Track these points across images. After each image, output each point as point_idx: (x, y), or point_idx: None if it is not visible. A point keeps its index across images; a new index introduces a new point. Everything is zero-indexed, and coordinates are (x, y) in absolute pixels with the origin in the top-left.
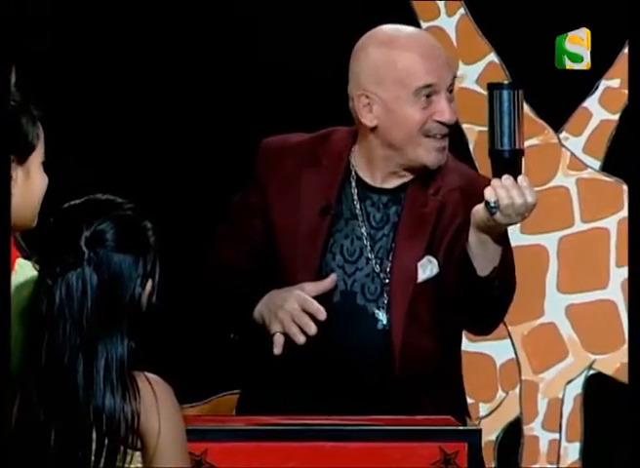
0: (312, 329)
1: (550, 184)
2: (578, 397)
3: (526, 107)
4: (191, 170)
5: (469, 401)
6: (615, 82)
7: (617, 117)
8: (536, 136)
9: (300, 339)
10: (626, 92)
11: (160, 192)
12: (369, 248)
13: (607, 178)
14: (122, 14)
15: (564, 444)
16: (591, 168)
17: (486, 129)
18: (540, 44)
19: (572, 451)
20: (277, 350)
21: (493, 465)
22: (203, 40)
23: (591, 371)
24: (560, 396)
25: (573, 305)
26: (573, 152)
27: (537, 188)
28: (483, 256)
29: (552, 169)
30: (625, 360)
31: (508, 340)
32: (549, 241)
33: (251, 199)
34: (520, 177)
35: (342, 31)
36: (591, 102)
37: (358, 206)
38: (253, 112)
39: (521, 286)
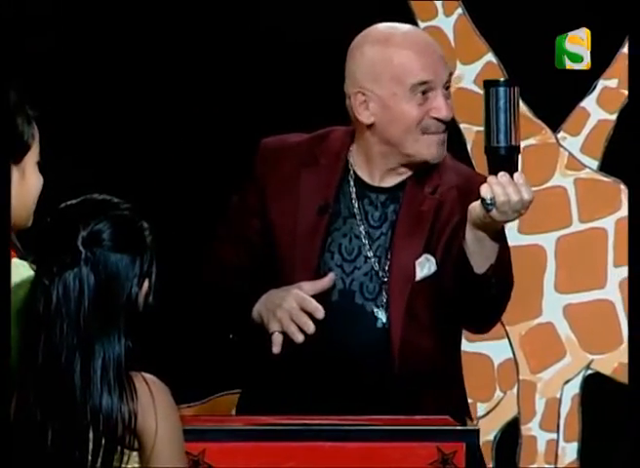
0: (311, 327)
1: (548, 184)
2: (575, 397)
3: (524, 107)
4: (189, 170)
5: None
6: (612, 82)
7: (614, 117)
8: (533, 135)
9: (299, 338)
10: (624, 91)
11: (158, 192)
12: (367, 246)
13: (605, 178)
14: (120, 13)
15: (562, 444)
16: (589, 168)
17: (483, 121)
18: (537, 44)
19: (569, 451)
20: (276, 349)
21: (491, 465)
22: (202, 40)
23: (589, 371)
24: (558, 396)
25: (570, 305)
26: (570, 152)
27: (534, 188)
28: (480, 254)
29: (550, 169)
30: (623, 360)
31: (506, 340)
32: (547, 241)
33: (249, 199)
34: (516, 174)
35: (341, 31)
36: (589, 102)
37: (356, 204)
38: (251, 112)
39: (519, 285)
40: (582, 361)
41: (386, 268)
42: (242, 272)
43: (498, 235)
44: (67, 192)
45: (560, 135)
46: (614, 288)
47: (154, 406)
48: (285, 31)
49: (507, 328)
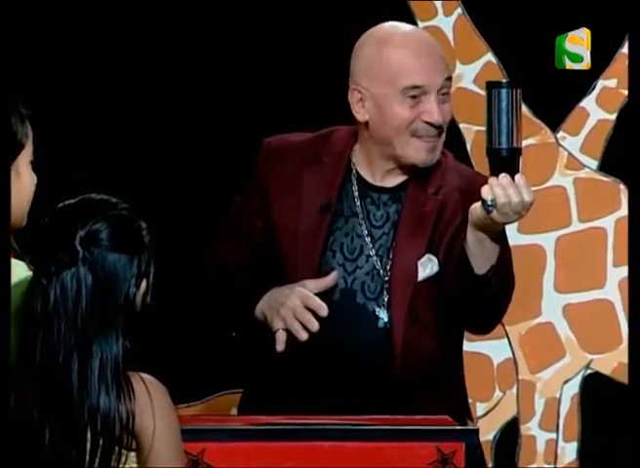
0: (315, 325)
1: (547, 184)
2: (575, 396)
3: (523, 107)
4: (190, 169)
5: None
6: (612, 82)
7: (614, 117)
8: (533, 135)
9: (303, 336)
10: (623, 91)
11: (159, 192)
12: (369, 246)
13: (604, 178)
14: (119, 12)
15: (561, 443)
16: (588, 167)
17: (484, 128)
18: (537, 43)
19: (569, 451)
20: (280, 347)
21: (490, 465)
22: (203, 38)
23: (588, 371)
24: (557, 395)
25: (570, 305)
26: (570, 152)
27: (534, 188)
28: (480, 255)
29: (549, 168)
30: (622, 359)
31: (506, 340)
32: (547, 240)
33: (252, 198)
34: (517, 176)
35: (341, 31)
36: (588, 102)
37: (358, 204)
38: (252, 112)
39: (518, 285)
40: (582, 361)
41: (388, 268)
42: (244, 271)
43: (498, 236)
44: (66, 192)
45: (560, 134)
46: (613, 287)
47: (152, 406)
48: (285, 31)
49: (507, 327)
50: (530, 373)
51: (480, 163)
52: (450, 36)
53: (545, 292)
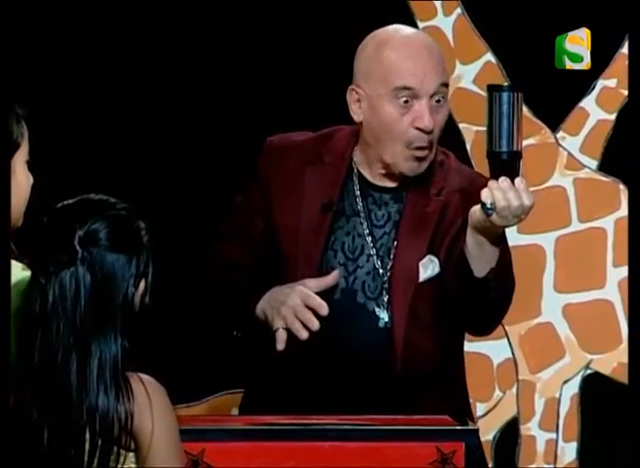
0: (315, 324)
1: (547, 184)
2: (574, 397)
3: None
4: (191, 169)
5: None
6: (612, 82)
7: (613, 117)
8: (533, 135)
9: (303, 335)
10: (623, 91)
11: (160, 192)
12: (370, 245)
13: (604, 178)
14: (118, 11)
15: (561, 443)
16: (588, 167)
17: (483, 128)
18: (536, 43)
19: (569, 451)
20: (280, 346)
21: (490, 465)
22: (204, 38)
23: (588, 371)
24: (557, 396)
25: (570, 305)
26: (570, 152)
27: (534, 188)
28: (480, 258)
29: (549, 168)
30: (622, 359)
31: (505, 340)
32: (546, 241)
33: (253, 197)
34: (517, 180)
35: (341, 31)
36: (588, 102)
37: (360, 203)
38: (255, 111)
39: (518, 285)
40: (582, 361)
41: (389, 268)
42: (245, 270)
43: (498, 239)
44: (64, 192)
45: (559, 134)
46: (613, 287)
47: (150, 406)
48: (285, 30)
49: (507, 327)
50: (530, 373)
51: (480, 163)
52: (449, 36)
53: (545, 293)
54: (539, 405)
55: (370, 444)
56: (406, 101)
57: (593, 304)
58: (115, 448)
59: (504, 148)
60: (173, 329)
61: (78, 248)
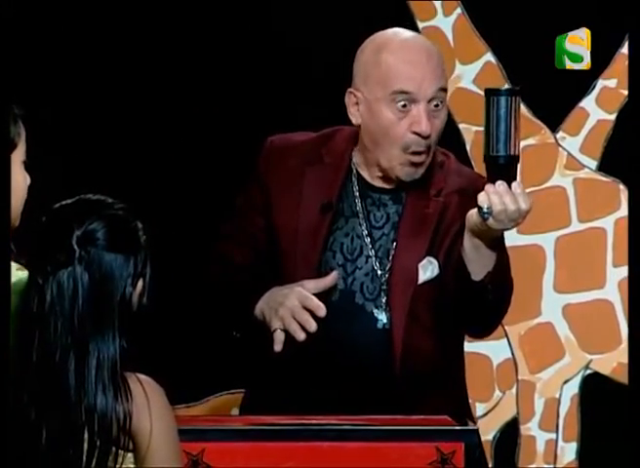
0: (312, 325)
1: (547, 184)
2: (574, 397)
3: (523, 107)
4: (192, 169)
5: None
6: (611, 82)
7: (613, 117)
8: (532, 135)
9: (300, 336)
10: (623, 91)
11: (160, 192)
12: (369, 246)
13: (604, 178)
14: (118, 10)
15: (561, 444)
16: (588, 168)
17: (483, 128)
18: (536, 43)
19: (568, 451)
20: (277, 347)
21: (490, 465)
22: (205, 37)
23: (588, 371)
24: (557, 396)
25: (570, 305)
26: (570, 152)
27: (533, 188)
28: (477, 261)
29: (549, 168)
30: (622, 360)
31: (505, 340)
32: (546, 241)
33: (254, 197)
34: (514, 184)
35: (340, 31)
36: (588, 102)
37: (359, 204)
38: (255, 110)
39: (518, 286)
40: (581, 361)
41: (387, 269)
42: (246, 269)
43: (495, 243)
44: (63, 192)
45: (559, 134)
46: (613, 288)
47: (149, 406)
48: (285, 32)
49: (506, 328)
50: (529, 374)
51: (480, 163)
52: (449, 36)
53: (545, 293)
54: (538, 405)
55: (369, 444)
56: (404, 105)
57: (593, 304)
58: (114, 449)
59: (502, 152)
60: (173, 329)
61: (76, 247)
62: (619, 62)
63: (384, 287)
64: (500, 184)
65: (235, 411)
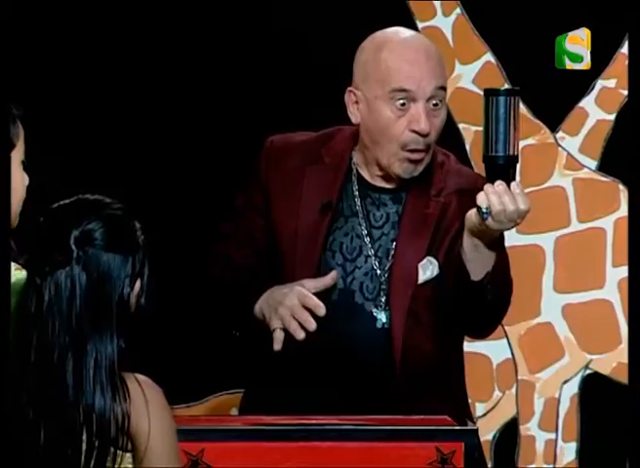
0: (312, 325)
1: (547, 184)
2: (574, 397)
3: (522, 107)
4: (191, 169)
5: None
6: (611, 82)
7: (613, 117)
8: (532, 135)
9: (300, 335)
10: (622, 92)
11: (160, 192)
12: (368, 246)
13: (603, 178)
14: (115, 9)
15: (560, 443)
16: (588, 168)
17: (482, 128)
18: (535, 43)
19: (568, 451)
20: (277, 346)
21: (489, 465)
22: (205, 35)
23: (587, 371)
24: (556, 396)
25: (569, 305)
26: (569, 152)
27: (533, 188)
28: (476, 261)
29: (549, 168)
30: (622, 359)
31: (505, 340)
32: (546, 241)
33: (254, 196)
34: (513, 184)
35: (339, 31)
36: (588, 102)
37: (358, 203)
38: (256, 110)
39: (517, 286)
40: (581, 361)
41: (387, 268)
42: (246, 269)
43: (494, 243)
44: (61, 192)
45: (559, 134)
46: (612, 288)
47: (147, 407)
48: (286, 31)
49: (506, 328)
50: (529, 374)
51: (479, 163)
52: (449, 36)
53: (545, 293)
54: (538, 405)
55: (369, 444)
56: (403, 104)
57: (593, 304)
58: (112, 449)
59: (501, 152)
60: (171, 329)
61: (74, 247)
62: (618, 62)
63: (384, 286)
64: (499, 184)
65: (234, 411)
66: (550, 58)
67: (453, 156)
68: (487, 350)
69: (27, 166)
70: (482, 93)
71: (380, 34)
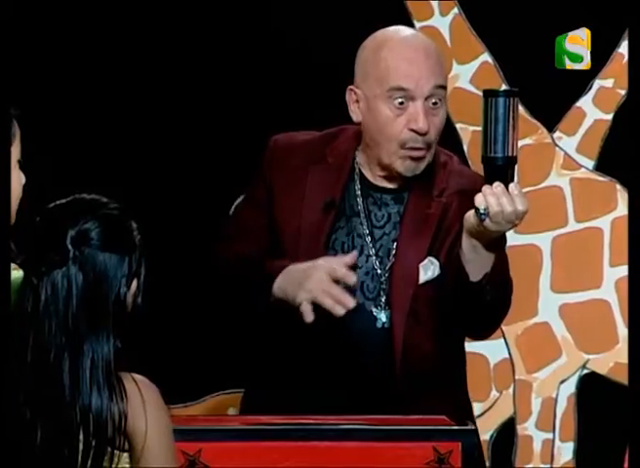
0: (349, 301)
1: (544, 184)
2: (571, 396)
3: (520, 107)
4: (194, 168)
5: None
6: (608, 82)
7: (610, 117)
8: (529, 135)
9: (339, 311)
10: (620, 91)
11: (160, 192)
12: (370, 246)
13: (600, 178)
14: (115, 8)
15: (557, 443)
16: (585, 167)
17: (480, 129)
18: (533, 43)
19: (565, 451)
20: (309, 318)
21: (487, 465)
22: (207, 34)
23: (585, 371)
24: (554, 395)
25: (566, 305)
26: (566, 152)
27: (530, 188)
28: (474, 262)
29: (546, 168)
30: (619, 359)
31: (502, 340)
32: (543, 240)
33: (257, 195)
34: (511, 185)
35: (338, 31)
36: (585, 102)
37: (360, 203)
38: (259, 109)
39: (515, 285)
40: (578, 360)
41: (387, 268)
42: (254, 259)
43: (493, 244)
44: (57, 191)
45: (556, 134)
46: (610, 287)
47: (144, 406)
48: (287, 31)
49: (503, 327)
50: (526, 373)
51: (477, 163)
52: (446, 36)
53: (542, 292)
54: (535, 405)
55: (367, 444)
56: (401, 103)
57: (590, 304)
58: (109, 449)
59: (499, 153)
60: (169, 328)
61: (70, 247)
62: (615, 62)
63: (384, 286)
64: (498, 185)
65: (232, 411)
66: (547, 58)
67: (456, 157)
68: (484, 350)
69: (24, 165)
70: (479, 93)
71: (380, 33)
